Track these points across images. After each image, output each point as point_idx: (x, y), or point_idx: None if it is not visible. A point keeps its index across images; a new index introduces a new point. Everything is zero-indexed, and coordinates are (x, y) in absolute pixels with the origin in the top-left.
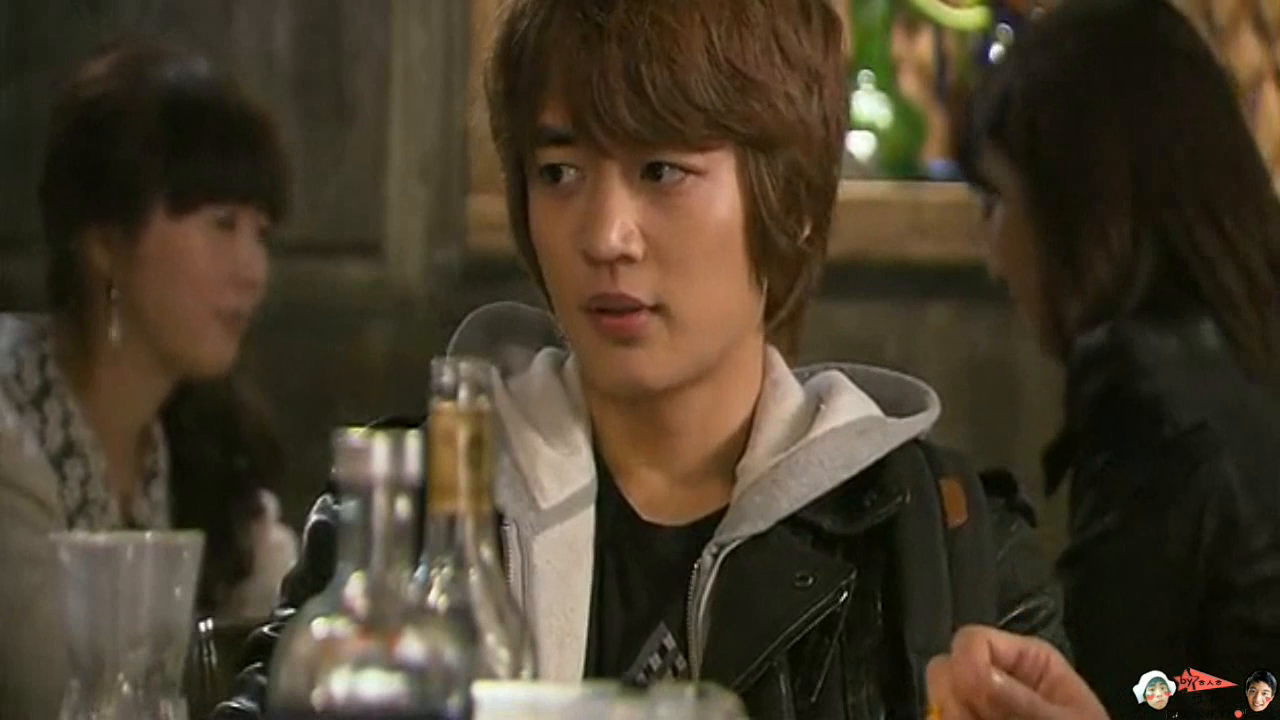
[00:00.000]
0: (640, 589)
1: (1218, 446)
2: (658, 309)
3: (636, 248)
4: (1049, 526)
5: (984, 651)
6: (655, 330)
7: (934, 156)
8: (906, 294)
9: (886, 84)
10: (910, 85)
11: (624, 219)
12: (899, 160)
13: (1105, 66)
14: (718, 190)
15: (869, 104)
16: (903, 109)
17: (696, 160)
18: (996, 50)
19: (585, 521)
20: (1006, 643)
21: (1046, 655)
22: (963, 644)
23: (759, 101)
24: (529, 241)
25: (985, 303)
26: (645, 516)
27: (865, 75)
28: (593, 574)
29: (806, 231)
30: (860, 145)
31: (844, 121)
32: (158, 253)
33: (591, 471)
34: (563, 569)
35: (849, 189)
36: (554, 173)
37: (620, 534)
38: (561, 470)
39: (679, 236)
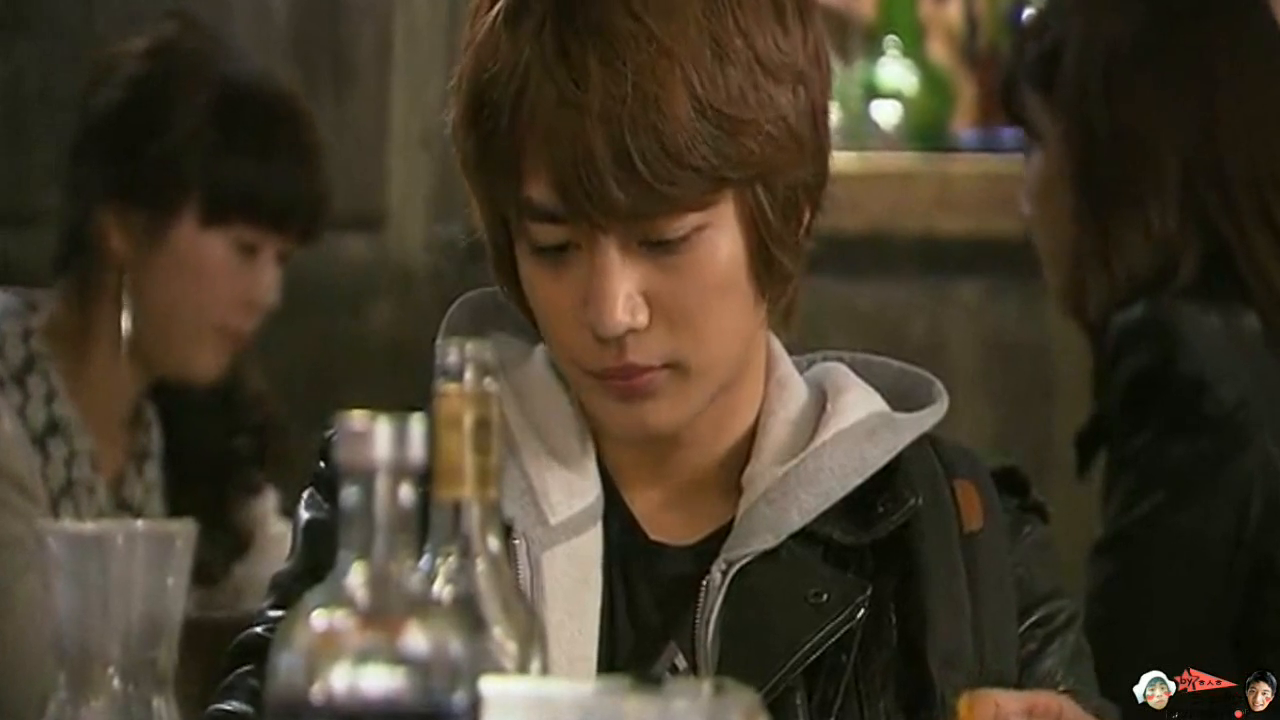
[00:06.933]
0: (649, 607)
1: (1261, 425)
2: (669, 365)
3: (643, 316)
4: (1081, 511)
5: (990, 708)
6: (666, 382)
7: (963, 126)
8: (934, 270)
9: (914, 50)
10: (939, 51)
11: (628, 290)
12: (927, 130)
13: (1175, 37)
14: (720, 234)
15: (895, 71)
16: (931, 76)
17: (695, 218)
18: (1029, 14)
19: (594, 539)
20: (1013, 701)
21: (1059, 706)
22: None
23: (752, 138)
24: (517, 286)
25: (1016, 279)
26: (652, 535)
27: (892, 41)
28: (601, 592)
29: (805, 226)
30: (886, 114)
31: (829, 98)
32: (179, 259)
33: (598, 487)
34: (571, 587)
35: (874, 160)
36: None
37: (627, 551)
38: (570, 485)
39: (686, 293)
